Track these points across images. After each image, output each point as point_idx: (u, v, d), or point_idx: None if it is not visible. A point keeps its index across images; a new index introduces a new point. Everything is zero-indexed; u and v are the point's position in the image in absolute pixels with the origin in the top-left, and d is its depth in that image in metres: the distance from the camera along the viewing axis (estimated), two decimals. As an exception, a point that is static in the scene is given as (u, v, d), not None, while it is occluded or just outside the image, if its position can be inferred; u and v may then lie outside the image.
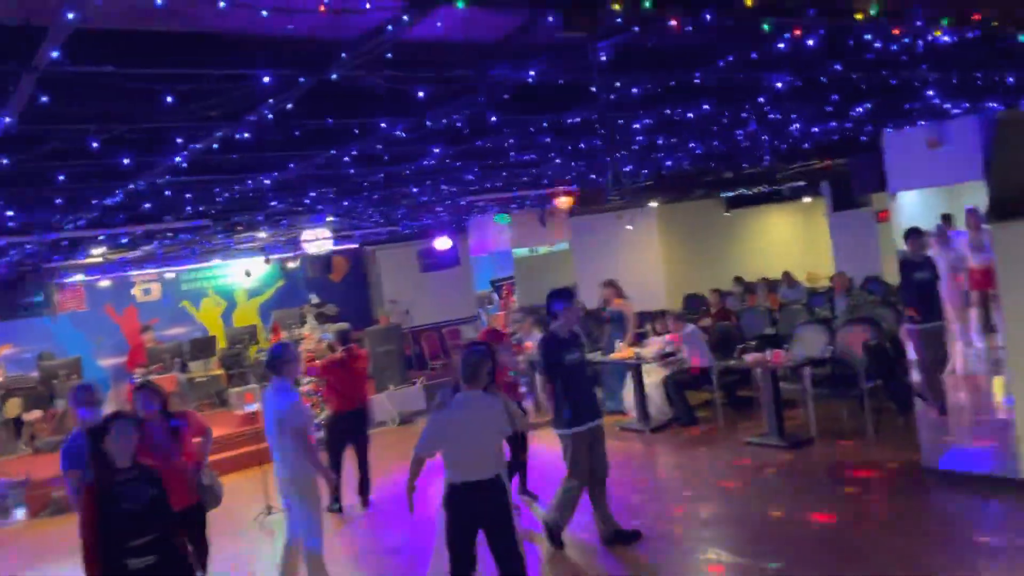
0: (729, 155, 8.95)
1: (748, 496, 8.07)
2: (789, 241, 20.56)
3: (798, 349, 10.48)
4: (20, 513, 10.73)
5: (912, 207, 8.84)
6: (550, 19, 2.71)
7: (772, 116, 6.27)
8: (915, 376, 8.75)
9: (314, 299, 16.30)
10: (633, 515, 7.55)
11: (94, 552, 4.40)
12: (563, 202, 10.84)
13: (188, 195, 6.17)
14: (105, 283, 14.09)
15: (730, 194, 17.59)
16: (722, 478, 8.81)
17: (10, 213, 5.90)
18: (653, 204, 16.54)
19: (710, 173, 9.55)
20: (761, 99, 5.30)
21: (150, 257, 11.91)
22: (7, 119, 3.02)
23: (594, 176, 9.06)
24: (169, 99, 3.18)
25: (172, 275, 15.32)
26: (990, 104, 7.18)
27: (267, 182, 5.89)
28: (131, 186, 5.10)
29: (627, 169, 8.80)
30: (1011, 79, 5.86)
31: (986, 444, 7.92)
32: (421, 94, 3.72)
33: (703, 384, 11.65)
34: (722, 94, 5.17)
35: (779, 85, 4.80)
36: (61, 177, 4.64)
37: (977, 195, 7.98)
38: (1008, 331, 7.55)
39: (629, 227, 16.27)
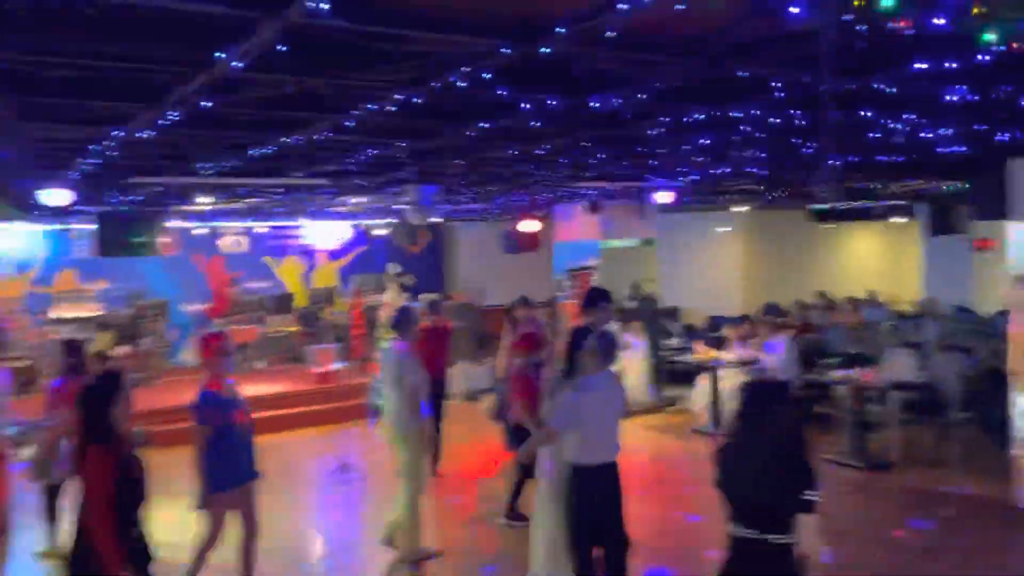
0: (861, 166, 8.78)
1: (822, 514, 7.93)
2: (873, 260, 20.17)
3: (887, 371, 10.32)
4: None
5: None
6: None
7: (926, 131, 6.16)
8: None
9: (394, 268, 16.45)
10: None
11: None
12: (662, 196, 10.81)
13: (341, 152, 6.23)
14: (202, 231, 14.46)
15: (823, 207, 17.24)
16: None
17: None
18: (737, 209, 16.36)
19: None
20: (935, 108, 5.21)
21: (252, 210, 12.15)
22: (236, 63, 3.11)
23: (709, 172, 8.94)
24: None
25: (263, 230, 15.62)
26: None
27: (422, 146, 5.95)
28: (296, 139, 5.19)
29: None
30: None
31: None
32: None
33: (781, 395, 11.52)
34: (891, 101, 5.09)
35: (954, 98, 4.72)
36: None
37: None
38: None
39: (728, 229, 16.08)
